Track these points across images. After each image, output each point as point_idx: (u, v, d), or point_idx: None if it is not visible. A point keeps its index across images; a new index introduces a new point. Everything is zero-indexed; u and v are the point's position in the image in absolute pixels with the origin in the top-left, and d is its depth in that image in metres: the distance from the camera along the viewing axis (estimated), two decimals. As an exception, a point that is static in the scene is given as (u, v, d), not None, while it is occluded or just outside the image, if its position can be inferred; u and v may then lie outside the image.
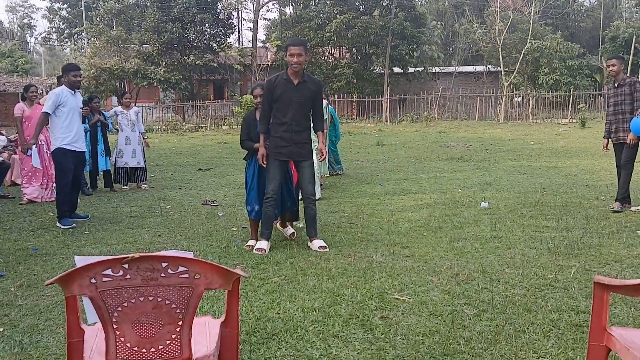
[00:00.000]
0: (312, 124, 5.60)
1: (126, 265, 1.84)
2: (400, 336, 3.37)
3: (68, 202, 6.83)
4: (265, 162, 5.38)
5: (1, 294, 4.25)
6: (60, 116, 6.67)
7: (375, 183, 10.19)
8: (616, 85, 7.18)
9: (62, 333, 3.47)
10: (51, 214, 7.54)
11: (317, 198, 8.35)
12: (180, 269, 1.88)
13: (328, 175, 9.64)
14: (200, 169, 12.99)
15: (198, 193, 9.37)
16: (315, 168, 8.45)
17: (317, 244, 5.44)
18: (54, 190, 8.94)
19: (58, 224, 6.71)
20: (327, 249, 5.33)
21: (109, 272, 1.84)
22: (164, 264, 1.86)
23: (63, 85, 6.80)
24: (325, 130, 8.93)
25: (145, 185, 10.07)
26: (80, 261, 1.88)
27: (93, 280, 1.84)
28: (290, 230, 6.04)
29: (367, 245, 5.58)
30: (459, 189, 9.28)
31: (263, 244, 5.38)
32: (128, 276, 1.85)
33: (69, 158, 6.72)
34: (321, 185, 9.27)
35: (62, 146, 6.67)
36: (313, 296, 4.07)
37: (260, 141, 5.43)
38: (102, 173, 9.90)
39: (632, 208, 7.06)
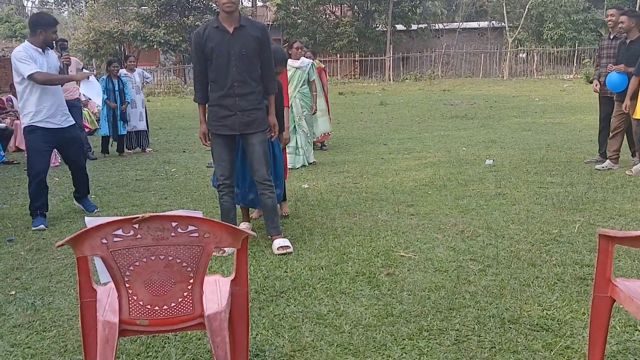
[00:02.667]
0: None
1: (137, 226, 1.86)
2: (407, 292, 3.42)
3: (39, 196, 5.23)
4: (207, 142, 4.27)
5: (11, 258, 4.31)
6: (24, 84, 5.05)
7: (379, 143, 10.17)
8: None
9: (73, 295, 3.53)
10: (57, 179, 7.58)
11: (310, 162, 7.99)
12: (190, 228, 1.90)
13: (319, 137, 9.28)
14: (203, 132, 12.95)
15: (202, 156, 9.37)
16: (306, 131, 8.20)
17: (277, 243, 4.24)
18: (57, 156, 8.99)
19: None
20: (291, 249, 4.20)
21: (119, 232, 1.86)
22: (173, 224, 1.88)
23: (26, 42, 5.14)
24: (315, 93, 8.23)
25: (150, 149, 10.08)
26: (90, 222, 1.90)
27: (104, 241, 1.87)
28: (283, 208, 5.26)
29: (372, 204, 5.61)
30: (463, 147, 9.26)
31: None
32: (139, 236, 1.87)
33: (40, 138, 5.14)
34: (324, 145, 9.24)
35: (32, 123, 5.09)
36: (320, 255, 4.12)
37: (199, 114, 4.28)
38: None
39: (627, 172, 6.69)
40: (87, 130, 10.98)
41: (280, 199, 5.09)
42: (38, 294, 3.57)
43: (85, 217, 2.06)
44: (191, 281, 1.99)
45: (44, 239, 4.83)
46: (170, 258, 1.92)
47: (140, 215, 1.83)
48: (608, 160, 7.01)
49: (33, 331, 3.06)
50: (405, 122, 13.58)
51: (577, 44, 28.46)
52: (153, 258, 1.91)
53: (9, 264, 4.16)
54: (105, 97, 9.48)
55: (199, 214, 1.94)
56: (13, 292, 3.62)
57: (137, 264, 1.91)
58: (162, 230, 1.86)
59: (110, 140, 9.78)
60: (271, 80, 4.23)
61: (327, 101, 9.36)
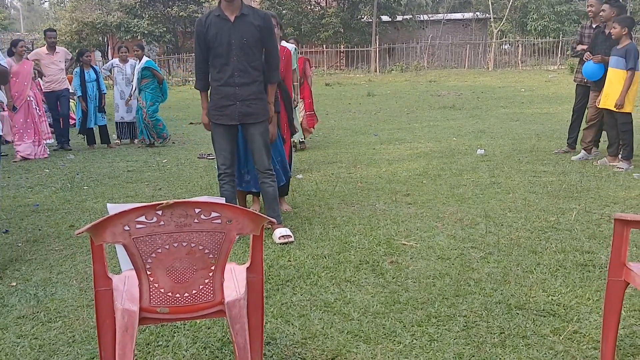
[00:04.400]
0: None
1: (160, 212, 1.84)
2: (412, 279, 3.44)
3: None
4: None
5: (9, 250, 4.26)
6: None
7: (369, 133, 10.18)
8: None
9: (75, 285, 3.50)
10: (47, 170, 7.50)
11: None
12: (213, 214, 1.88)
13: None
14: (191, 123, 12.91)
15: (192, 147, 9.33)
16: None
17: (279, 233, 4.22)
18: (46, 147, 8.91)
19: None
20: (292, 239, 4.20)
21: (142, 219, 1.84)
22: (197, 210, 1.86)
23: None
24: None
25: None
26: (113, 209, 1.87)
27: (126, 228, 1.84)
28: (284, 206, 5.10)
29: (369, 193, 5.62)
30: (453, 137, 9.30)
31: None
32: (162, 223, 1.85)
33: None
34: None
35: None
36: (321, 244, 4.12)
37: (202, 102, 4.23)
38: (98, 128, 9.76)
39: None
40: (72, 121, 10.81)
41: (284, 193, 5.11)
42: (40, 285, 3.53)
43: (108, 204, 2.03)
44: (212, 268, 1.97)
45: (40, 230, 4.77)
46: (192, 245, 1.90)
47: (164, 202, 1.81)
48: (583, 151, 7.06)
49: (38, 322, 3.02)
50: (393, 112, 13.61)
51: (560, 35, 28.66)
52: (175, 245, 1.89)
53: (7, 256, 4.11)
54: (80, 94, 9.37)
55: (221, 200, 1.93)
56: (14, 284, 3.57)
57: (159, 251, 1.89)
58: (185, 216, 1.84)
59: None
60: (274, 69, 4.15)
61: (311, 95, 8.79)
